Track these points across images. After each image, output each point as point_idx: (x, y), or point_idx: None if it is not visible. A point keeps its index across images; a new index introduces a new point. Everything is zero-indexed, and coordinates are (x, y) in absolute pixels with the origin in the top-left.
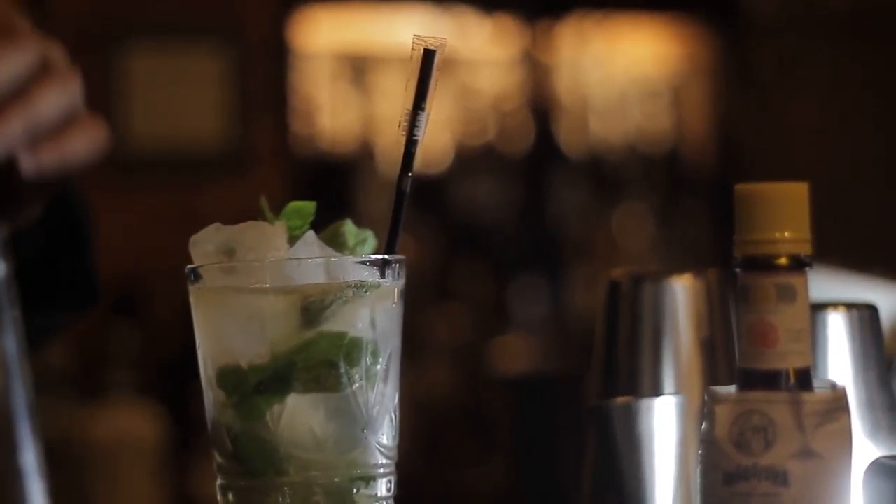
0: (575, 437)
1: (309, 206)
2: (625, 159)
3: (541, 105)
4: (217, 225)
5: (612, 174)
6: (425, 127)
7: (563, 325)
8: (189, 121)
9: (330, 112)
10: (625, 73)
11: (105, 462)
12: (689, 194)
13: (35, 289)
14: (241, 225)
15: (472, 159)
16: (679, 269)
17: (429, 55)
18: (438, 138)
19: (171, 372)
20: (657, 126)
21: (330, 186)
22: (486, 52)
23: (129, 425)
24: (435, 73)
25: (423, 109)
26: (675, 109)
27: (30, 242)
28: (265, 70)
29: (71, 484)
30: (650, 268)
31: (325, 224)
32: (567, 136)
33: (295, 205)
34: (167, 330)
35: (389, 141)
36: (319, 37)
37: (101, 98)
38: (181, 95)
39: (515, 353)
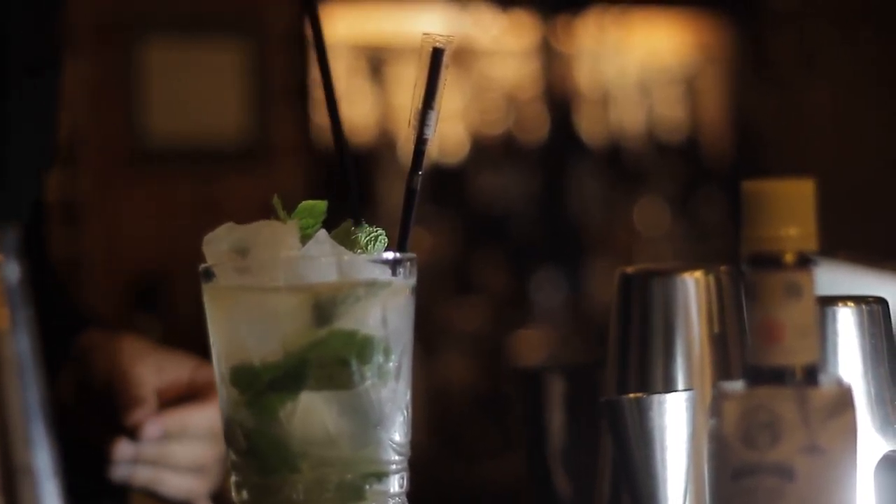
0: (593, 430)
1: (320, 206)
2: (643, 149)
3: (559, 95)
4: (230, 224)
5: (630, 164)
6: (435, 125)
7: (582, 316)
8: (209, 113)
9: (349, 104)
10: (642, 62)
11: None
12: (707, 183)
13: None
14: (254, 224)
15: (490, 150)
16: (691, 264)
17: (437, 53)
18: (456, 129)
19: None
20: (675, 116)
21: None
22: (503, 42)
23: None
24: (444, 72)
25: (432, 108)
26: (692, 99)
27: None
28: (284, 62)
29: None
30: (662, 263)
31: (343, 215)
32: (586, 126)
33: (307, 204)
34: (188, 322)
35: (407, 133)
36: (338, 29)
37: (122, 90)
38: (201, 88)
39: (535, 345)
